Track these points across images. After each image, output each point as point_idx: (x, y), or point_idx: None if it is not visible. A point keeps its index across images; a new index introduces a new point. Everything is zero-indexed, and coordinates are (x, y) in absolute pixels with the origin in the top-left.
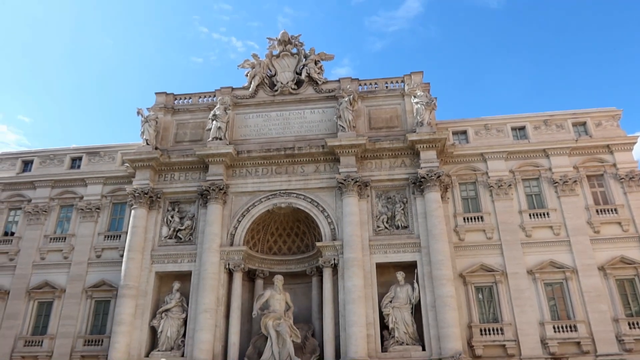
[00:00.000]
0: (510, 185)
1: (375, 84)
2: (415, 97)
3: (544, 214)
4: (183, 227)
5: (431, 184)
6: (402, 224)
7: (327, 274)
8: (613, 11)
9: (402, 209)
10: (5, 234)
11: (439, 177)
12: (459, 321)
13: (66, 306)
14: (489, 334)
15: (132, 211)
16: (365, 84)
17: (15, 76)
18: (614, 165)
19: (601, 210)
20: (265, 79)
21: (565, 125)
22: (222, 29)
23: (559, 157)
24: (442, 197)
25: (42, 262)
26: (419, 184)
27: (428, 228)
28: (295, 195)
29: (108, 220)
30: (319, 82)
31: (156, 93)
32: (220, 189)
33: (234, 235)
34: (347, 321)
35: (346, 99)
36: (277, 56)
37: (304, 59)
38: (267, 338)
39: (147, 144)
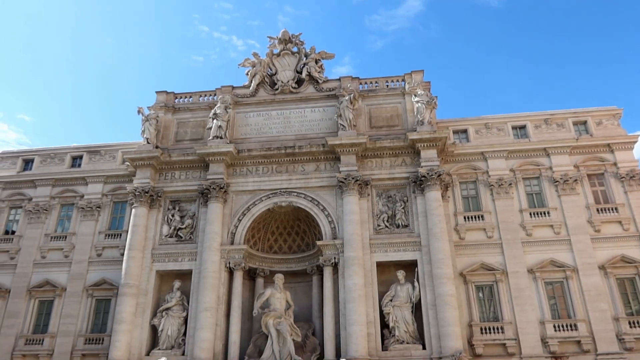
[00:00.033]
0: (510, 184)
1: (376, 82)
2: (415, 95)
3: (544, 213)
4: (184, 226)
5: (432, 182)
6: (403, 223)
7: (327, 272)
8: (613, 11)
9: (403, 208)
10: (6, 232)
11: (439, 176)
12: (460, 320)
13: (67, 305)
14: (490, 332)
15: (133, 210)
16: (365, 83)
17: (15, 75)
18: (615, 164)
19: (602, 209)
20: (265, 78)
21: (566, 124)
22: (222, 27)
23: (560, 156)
24: (442, 196)
25: (42, 261)
26: (419, 183)
27: (428, 227)
28: (295, 194)
29: (109, 219)
30: (320, 81)
31: (157, 92)
32: (221, 188)
33: (235, 234)
34: (348, 320)
35: (347, 97)
36: (278, 55)
37: (305, 58)
38: (267, 337)
39: (148, 142)
